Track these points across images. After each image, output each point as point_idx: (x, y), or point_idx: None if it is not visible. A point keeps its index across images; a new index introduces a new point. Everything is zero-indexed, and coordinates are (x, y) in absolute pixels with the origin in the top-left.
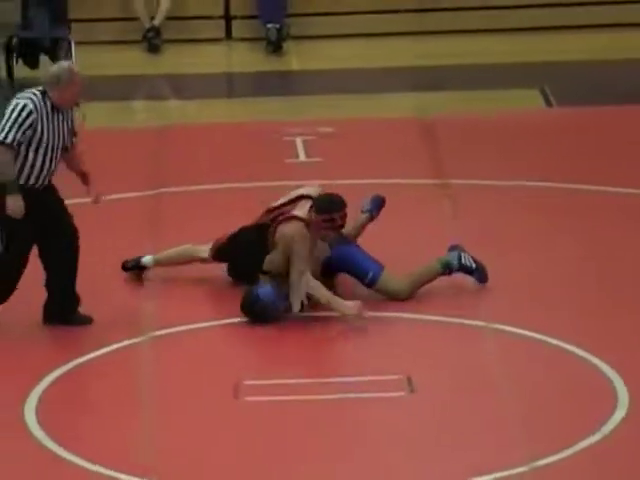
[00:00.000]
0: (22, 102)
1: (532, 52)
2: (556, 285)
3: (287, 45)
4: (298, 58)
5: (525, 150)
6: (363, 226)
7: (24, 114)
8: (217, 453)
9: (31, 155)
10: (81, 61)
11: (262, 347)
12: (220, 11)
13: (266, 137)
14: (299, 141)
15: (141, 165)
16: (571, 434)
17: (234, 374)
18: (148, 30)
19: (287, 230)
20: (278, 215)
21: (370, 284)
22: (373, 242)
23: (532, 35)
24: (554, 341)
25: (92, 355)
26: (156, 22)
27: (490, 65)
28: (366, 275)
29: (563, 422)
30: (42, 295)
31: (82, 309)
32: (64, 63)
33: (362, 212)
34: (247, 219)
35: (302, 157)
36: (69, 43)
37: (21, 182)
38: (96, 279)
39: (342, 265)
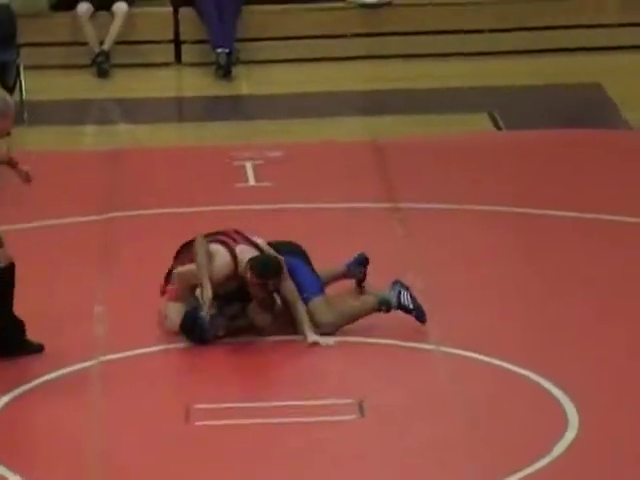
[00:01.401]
0: None
1: (480, 76)
2: (504, 307)
3: (237, 70)
4: (248, 82)
5: (475, 173)
6: (335, 277)
7: None
8: (168, 477)
9: None
10: (30, 85)
11: (213, 371)
12: (170, 35)
13: (216, 161)
14: (249, 165)
15: (91, 189)
16: (522, 456)
17: (185, 398)
18: (97, 54)
19: (214, 254)
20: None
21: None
22: (325, 264)
23: (480, 59)
24: (503, 364)
25: (42, 379)
26: (105, 46)
27: (439, 89)
28: (300, 293)
29: (513, 444)
30: None
31: (31, 333)
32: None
33: (345, 266)
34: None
35: (252, 181)
36: (17, 67)
37: None
38: (46, 303)
39: None
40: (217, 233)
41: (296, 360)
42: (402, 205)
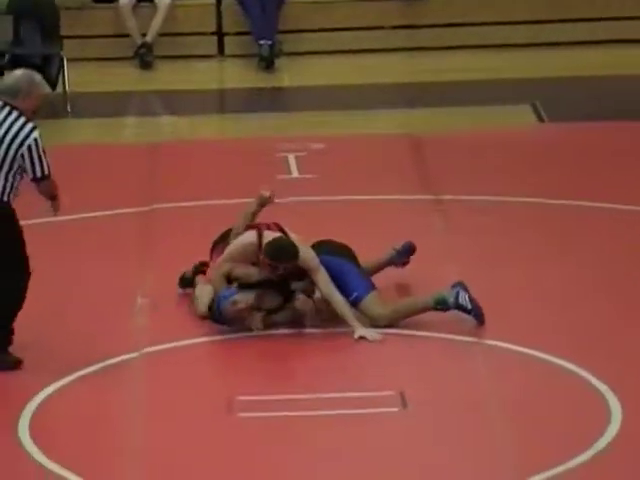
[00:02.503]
0: (34, 134)
1: (523, 68)
2: (547, 301)
3: (279, 61)
4: (290, 74)
5: (517, 166)
6: (380, 266)
7: (41, 141)
8: (210, 469)
9: (18, 176)
10: (73, 77)
11: (255, 362)
12: (213, 27)
13: (258, 153)
14: (291, 157)
15: (133, 181)
16: (565, 450)
17: (227, 390)
18: (140, 46)
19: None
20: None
21: (354, 303)
22: (364, 258)
23: (523, 51)
24: (546, 357)
25: (84, 371)
26: (148, 38)
27: (481, 81)
28: (351, 294)
29: (557, 438)
30: (31, 310)
31: (73, 325)
32: (22, 72)
33: (393, 249)
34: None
35: (295, 173)
36: (61, 60)
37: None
38: (88, 294)
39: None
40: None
41: (338, 352)
42: (443, 197)
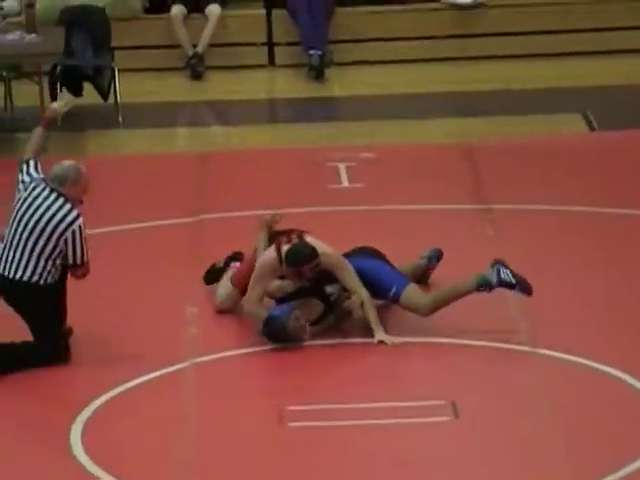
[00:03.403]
0: (79, 221)
1: (573, 76)
2: (596, 309)
3: (329, 71)
4: (340, 84)
5: (568, 175)
6: (415, 274)
7: (84, 228)
8: (263, 479)
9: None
10: (124, 88)
11: (304, 372)
12: (263, 38)
13: (309, 163)
14: (342, 167)
15: (184, 191)
16: (616, 458)
17: (277, 400)
18: (191, 57)
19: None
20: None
21: (394, 299)
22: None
23: (573, 60)
24: (598, 366)
25: (136, 382)
26: (199, 49)
27: (531, 90)
28: (390, 289)
29: (608, 446)
30: (83, 320)
31: (123, 336)
32: (70, 163)
33: (420, 258)
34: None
35: (345, 183)
36: (112, 70)
37: (45, 282)
38: (137, 305)
39: (364, 279)
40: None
41: (387, 361)
42: (493, 206)
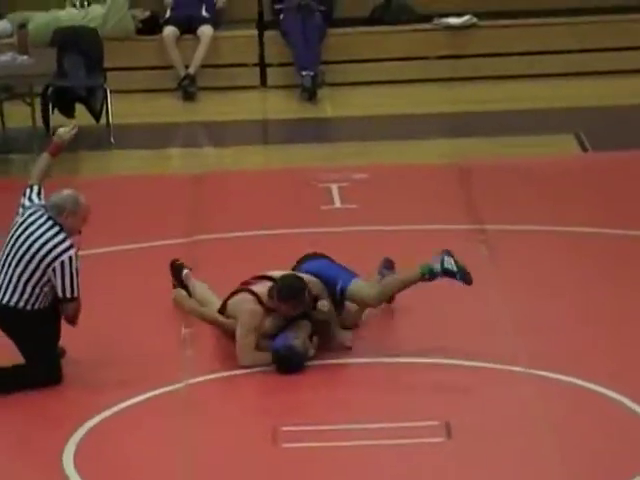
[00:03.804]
0: (70, 253)
1: (566, 97)
2: (591, 329)
3: (322, 92)
4: (333, 105)
5: (561, 195)
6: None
7: (76, 261)
8: None
9: (46, 289)
10: (117, 109)
11: (298, 392)
12: (255, 59)
13: (301, 184)
14: (334, 187)
15: (177, 212)
16: (610, 477)
17: (271, 420)
18: (183, 78)
19: (236, 304)
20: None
21: (341, 292)
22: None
23: (565, 80)
24: (591, 386)
25: (129, 402)
26: (191, 70)
27: (524, 111)
28: (336, 285)
29: (601, 465)
30: (76, 341)
31: (117, 356)
32: (69, 192)
33: (377, 274)
34: (283, 266)
35: (338, 204)
36: (104, 91)
37: (33, 308)
38: (131, 326)
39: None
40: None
41: (381, 382)
42: (487, 227)
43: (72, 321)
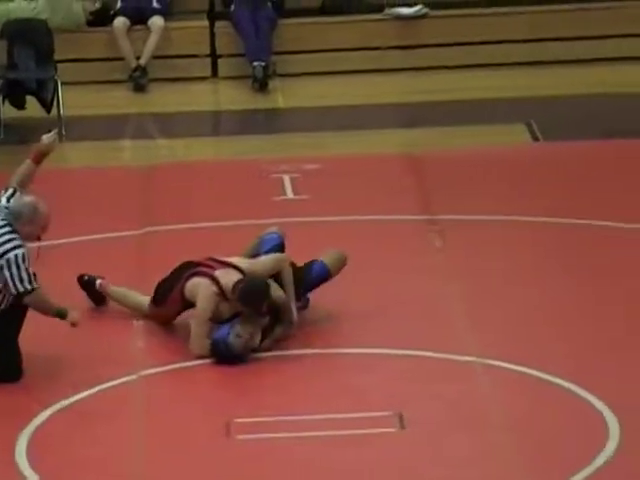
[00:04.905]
0: (17, 251)
1: (518, 87)
2: (545, 319)
3: (273, 83)
4: (284, 95)
5: (513, 185)
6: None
7: (27, 259)
8: None
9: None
10: (67, 101)
11: (252, 384)
12: (206, 50)
13: (253, 175)
14: (286, 178)
15: (128, 204)
16: (564, 467)
17: (225, 412)
18: (134, 69)
19: (196, 288)
20: (202, 268)
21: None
22: (362, 278)
23: (517, 70)
24: (544, 375)
25: (82, 395)
26: (142, 61)
27: (476, 100)
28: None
29: (555, 455)
30: (29, 335)
31: (71, 349)
32: (28, 200)
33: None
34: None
35: (290, 194)
36: (55, 83)
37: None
38: (82, 319)
39: None
40: (194, 265)
41: (336, 373)
42: (439, 217)
43: (47, 313)
